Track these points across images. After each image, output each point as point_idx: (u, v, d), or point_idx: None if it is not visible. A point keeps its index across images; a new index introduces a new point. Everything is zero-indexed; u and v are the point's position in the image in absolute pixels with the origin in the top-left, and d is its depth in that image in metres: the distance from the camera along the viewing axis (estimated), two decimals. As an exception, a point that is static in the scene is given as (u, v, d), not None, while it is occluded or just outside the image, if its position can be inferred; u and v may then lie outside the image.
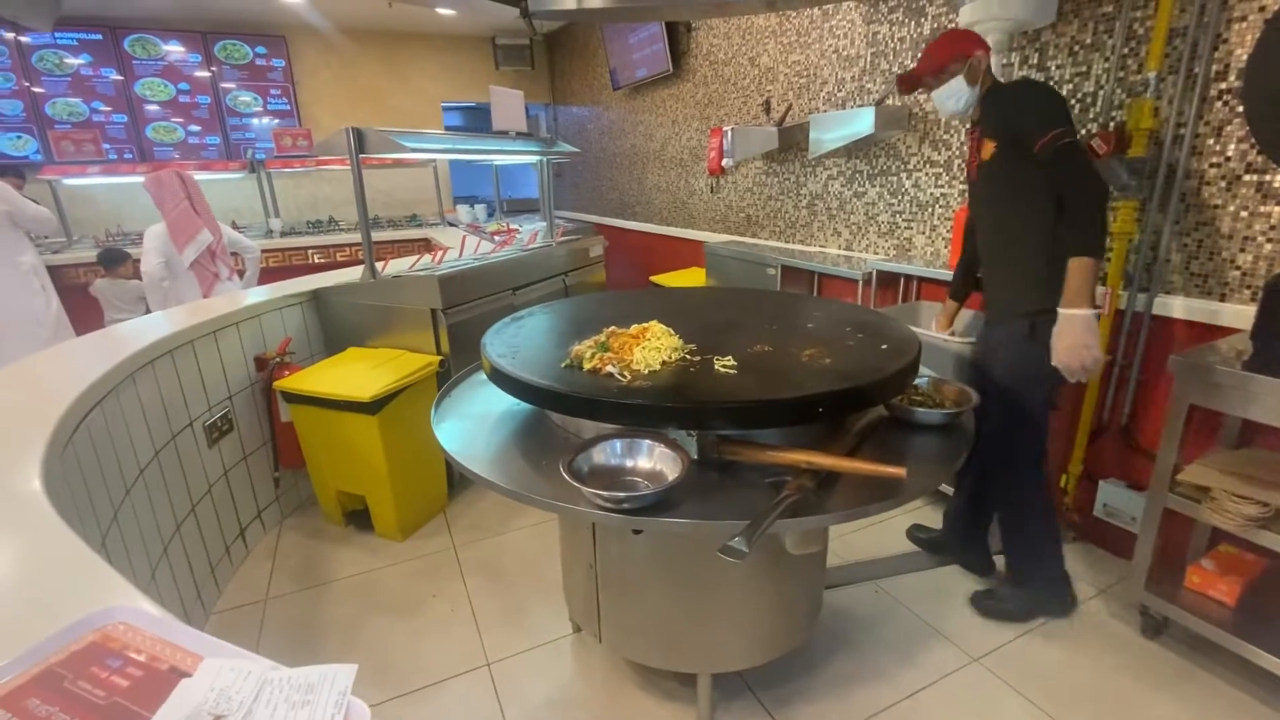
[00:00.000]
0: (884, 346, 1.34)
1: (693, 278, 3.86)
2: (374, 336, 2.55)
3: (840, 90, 2.93)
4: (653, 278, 4.08)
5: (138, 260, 3.50)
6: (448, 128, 6.43)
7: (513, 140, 3.05)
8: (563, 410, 1.24)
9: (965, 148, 2.39)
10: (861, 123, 2.56)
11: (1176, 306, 1.85)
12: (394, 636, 1.85)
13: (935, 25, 2.43)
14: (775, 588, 1.41)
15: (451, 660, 1.75)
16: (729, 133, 3.47)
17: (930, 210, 2.60)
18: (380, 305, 2.49)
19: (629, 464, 1.14)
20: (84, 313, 3.92)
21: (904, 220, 2.73)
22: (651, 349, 1.24)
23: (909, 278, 2.65)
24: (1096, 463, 2.11)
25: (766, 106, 3.36)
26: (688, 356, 1.28)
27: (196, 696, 0.54)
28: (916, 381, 1.43)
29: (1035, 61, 2.12)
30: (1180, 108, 1.76)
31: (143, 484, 1.65)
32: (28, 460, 1.04)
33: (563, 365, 1.25)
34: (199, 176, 5.19)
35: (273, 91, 5.47)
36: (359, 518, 2.40)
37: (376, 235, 5.13)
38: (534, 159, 3.28)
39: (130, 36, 4.96)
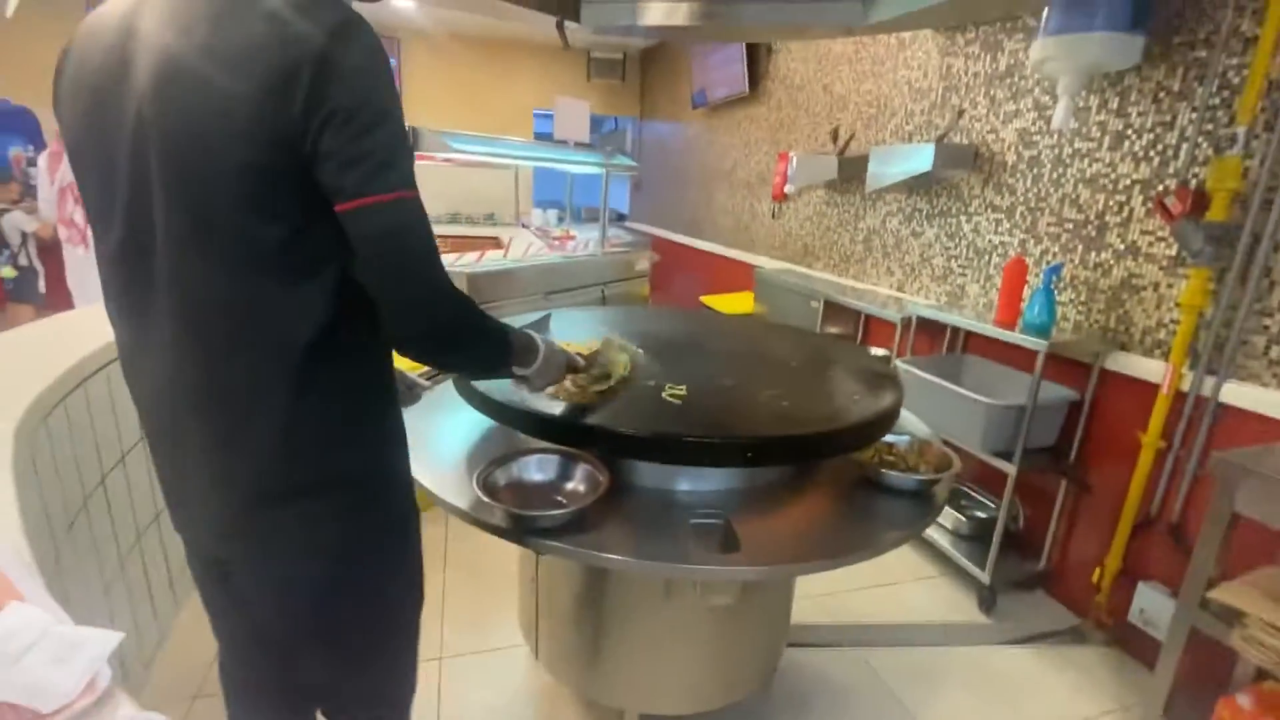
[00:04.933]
0: (856, 398, 1.25)
1: (741, 302, 3.78)
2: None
3: (909, 123, 2.78)
4: (703, 298, 4.03)
5: None
6: (537, 134, 6.67)
7: (571, 150, 3.12)
8: (482, 408, 1.21)
9: (1030, 194, 2.20)
10: (920, 159, 2.41)
11: (1248, 396, 1.60)
12: (364, 613, 1.91)
13: (1011, 61, 2.25)
14: (712, 636, 1.34)
15: (408, 647, 1.79)
16: (793, 159, 3.39)
17: (987, 258, 2.41)
18: (417, 295, 2.61)
19: (553, 482, 1.12)
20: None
21: (959, 266, 2.54)
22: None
23: (955, 329, 2.46)
24: (1138, 561, 1.86)
25: (834, 134, 3.24)
26: (624, 378, 1.22)
27: (-17, 636, 0.57)
28: (895, 440, 1.32)
29: (1115, 106, 1.91)
30: (1273, 169, 1.53)
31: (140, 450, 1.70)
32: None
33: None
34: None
35: (382, 88, 5.90)
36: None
37: (451, 230, 5.39)
38: (592, 170, 3.33)
39: (267, 31, 5.51)
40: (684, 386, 1.21)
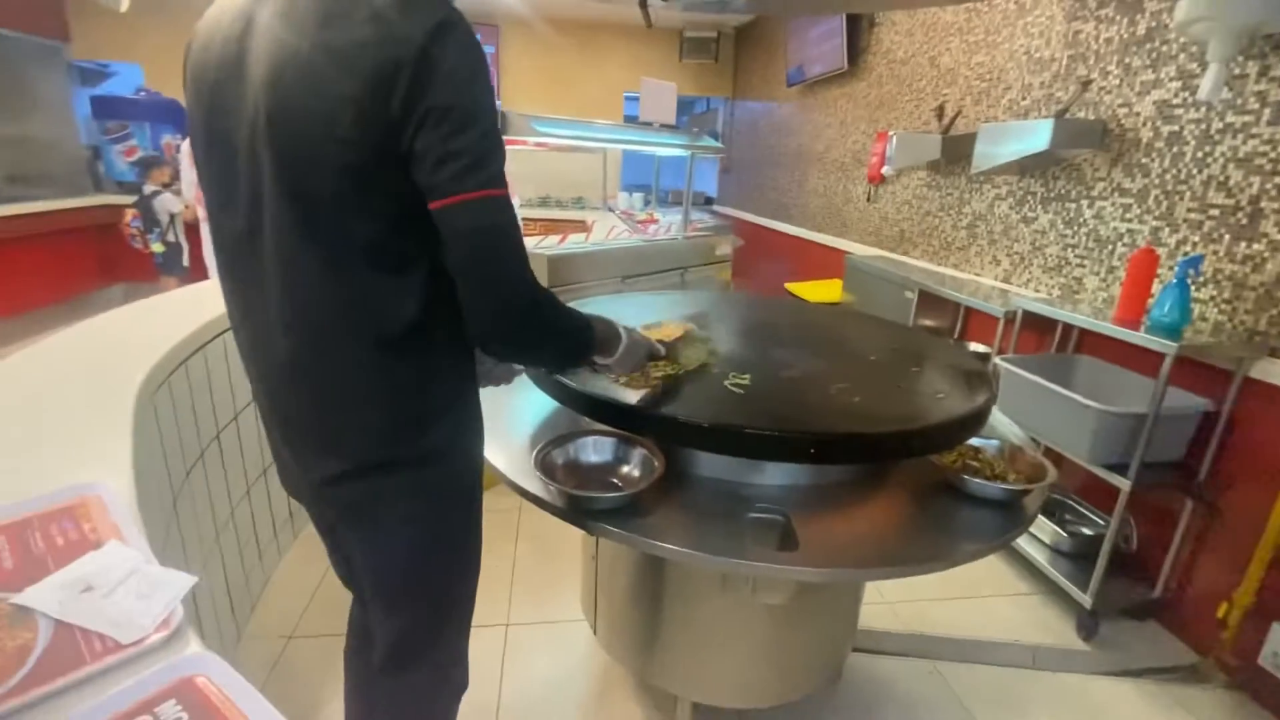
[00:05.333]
0: (939, 396, 1.15)
1: (828, 290, 3.62)
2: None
3: (1025, 98, 2.53)
4: (788, 285, 3.90)
5: None
6: (626, 117, 6.67)
7: (656, 132, 3.09)
8: (543, 388, 1.22)
9: (1168, 176, 1.94)
10: (1036, 137, 2.19)
11: None
12: (440, 576, 2.02)
13: (1153, 24, 1.98)
14: (769, 633, 1.30)
15: (476, 613, 1.86)
16: (892, 138, 3.18)
17: (1110, 248, 2.15)
18: (501, 275, 2.69)
19: (609, 465, 1.11)
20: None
21: (1076, 256, 2.29)
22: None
23: (1067, 326, 2.23)
24: (1276, 597, 1.62)
25: (940, 112, 3.01)
26: (691, 369, 1.19)
27: (87, 568, 0.64)
28: (984, 444, 1.21)
29: (1279, 74, 1.64)
30: None
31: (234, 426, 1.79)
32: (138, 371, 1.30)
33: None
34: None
35: (481, 75, 6.11)
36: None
37: (541, 213, 5.53)
38: (676, 152, 3.28)
39: (379, 23, 5.84)
40: (748, 376, 1.17)
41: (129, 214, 4.13)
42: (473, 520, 0.95)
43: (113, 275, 5.18)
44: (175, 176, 4.23)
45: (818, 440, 0.96)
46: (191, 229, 4.16)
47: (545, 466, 1.05)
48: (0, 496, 0.76)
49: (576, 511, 0.99)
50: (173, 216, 4.12)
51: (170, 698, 0.51)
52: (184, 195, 4.03)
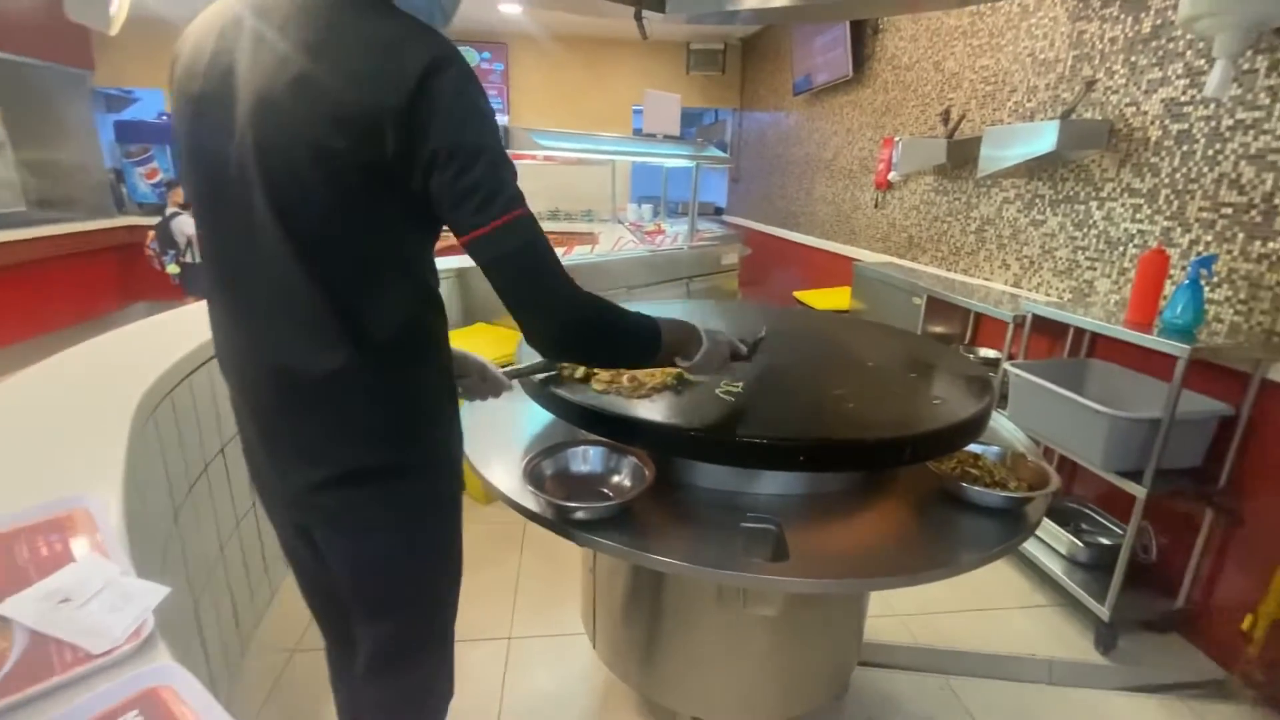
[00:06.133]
0: (936, 402, 1.13)
1: (837, 298, 3.59)
2: (501, 316, 2.78)
3: (1030, 100, 2.50)
4: (797, 293, 3.88)
5: None
6: (635, 130, 6.72)
7: (660, 143, 3.10)
8: (534, 397, 1.21)
9: (1178, 175, 1.90)
10: (1042, 139, 2.16)
11: None
12: (444, 589, 2.01)
13: (1158, 21, 1.95)
14: (768, 646, 1.27)
15: (479, 625, 1.86)
16: (898, 143, 3.17)
17: (1121, 250, 2.11)
18: (507, 288, 2.71)
19: (599, 475, 1.11)
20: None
21: (1086, 259, 2.25)
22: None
23: (1078, 330, 2.19)
24: (1305, 610, 1.55)
25: (945, 116, 2.98)
26: (686, 379, 1.18)
27: (66, 579, 0.65)
28: (983, 451, 1.18)
29: (1291, 67, 1.60)
30: None
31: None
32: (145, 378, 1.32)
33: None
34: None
35: (491, 92, 6.20)
36: (457, 476, 2.65)
37: (551, 226, 5.57)
38: (681, 163, 3.30)
39: (391, 44, 5.97)
40: (740, 384, 1.15)
41: (150, 235, 4.24)
42: (452, 528, 0.95)
43: (136, 294, 5.32)
44: None
45: (803, 447, 0.94)
46: None
47: (534, 477, 1.04)
48: (-8, 509, 0.78)
49: (563, 522, 0.98)
50: (189, 238, 4.22)
51: (133, 708, 0.51)
52: None
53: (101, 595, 0.62)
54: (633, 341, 0.90)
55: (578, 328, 0.82)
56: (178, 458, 1.41)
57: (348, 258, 0.74)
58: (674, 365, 0.99)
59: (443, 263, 2.97)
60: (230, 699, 1.41)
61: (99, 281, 5.08)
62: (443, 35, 0.72)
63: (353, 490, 0.83)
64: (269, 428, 0.86)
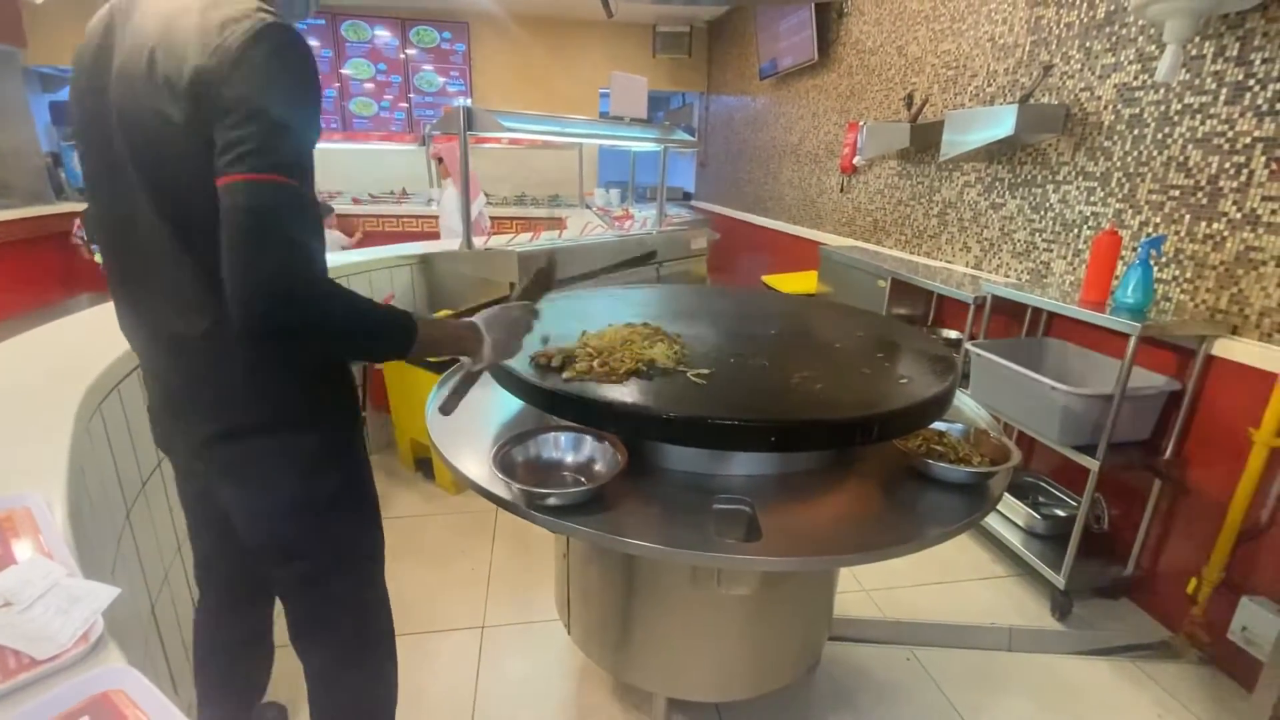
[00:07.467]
0: (902, 381, 1.15)
1: (804, 282, 3.63)
2: (466, 303, 2.73)
3: (990, 85, 2.54)
4: (765, 278, 3.91)
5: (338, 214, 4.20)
6: (602, 113, 6.65)
7: (626, 126, 3.07)
8: (504, 384, 1.19)
9: (1129, 158, 1.96)
10: (1001, 124, 2.20)
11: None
12: (414, 579, 1.99)
13: (1112, 7, 2.00)
14: (742, 625, 1.29)
15: (453, 615, 1.85)
16: (863, 128, 3.19)
17: (1076, 231, 2.17)
18: (473, 275, 2.66)
19: (572, 461, 1.10)
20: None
21: (1043, 241, 2.31)
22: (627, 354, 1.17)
23: (1036, 310, 2.25)
24: (1242, 572, 1.65)
25: (908, 100, 3.02)
26: (658, 365, 1.17)
27: (7, 582, 0.61)
28: (947, 428, 1.21)
29: (1235, 54, 1.65)
30: None
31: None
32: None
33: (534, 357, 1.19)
34: (380, 147, 5.84)
35: (452, 73, 6.04)
36: (426, 465, 2.61)
37: (516, 211, 5.48)
38: (648, 146, 3.27)
39: (347, 21, 5.76)
40: (710, 368, 1.15)
41: (77, 223, 4.00)
42: (351, 471, 1.00)
43: (81, 286, 5.05)
44: None
45: (774, 427, 0.95)
46: None
47: (505, 465, 1.03)
48: (-79, 512, 0.73)
49: (536, 508, 0.97)
50: None
51: (83, 714, 0.49)
52: None
53: (46, 598, 0.59)
54: (358, 330, 0.81)
55: (286, 304, 0.72)
56: (128, 452, 1.35)
57: (206, 223, 0.75)
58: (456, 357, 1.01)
59: (405, 249, 2.90)
60: (194, 699, 1.37)
61: (39, 272, 4.81)
62: (275, 7, 0.79)
63: (247, 442, 0.89)
64: (168, 390, 0.94)
